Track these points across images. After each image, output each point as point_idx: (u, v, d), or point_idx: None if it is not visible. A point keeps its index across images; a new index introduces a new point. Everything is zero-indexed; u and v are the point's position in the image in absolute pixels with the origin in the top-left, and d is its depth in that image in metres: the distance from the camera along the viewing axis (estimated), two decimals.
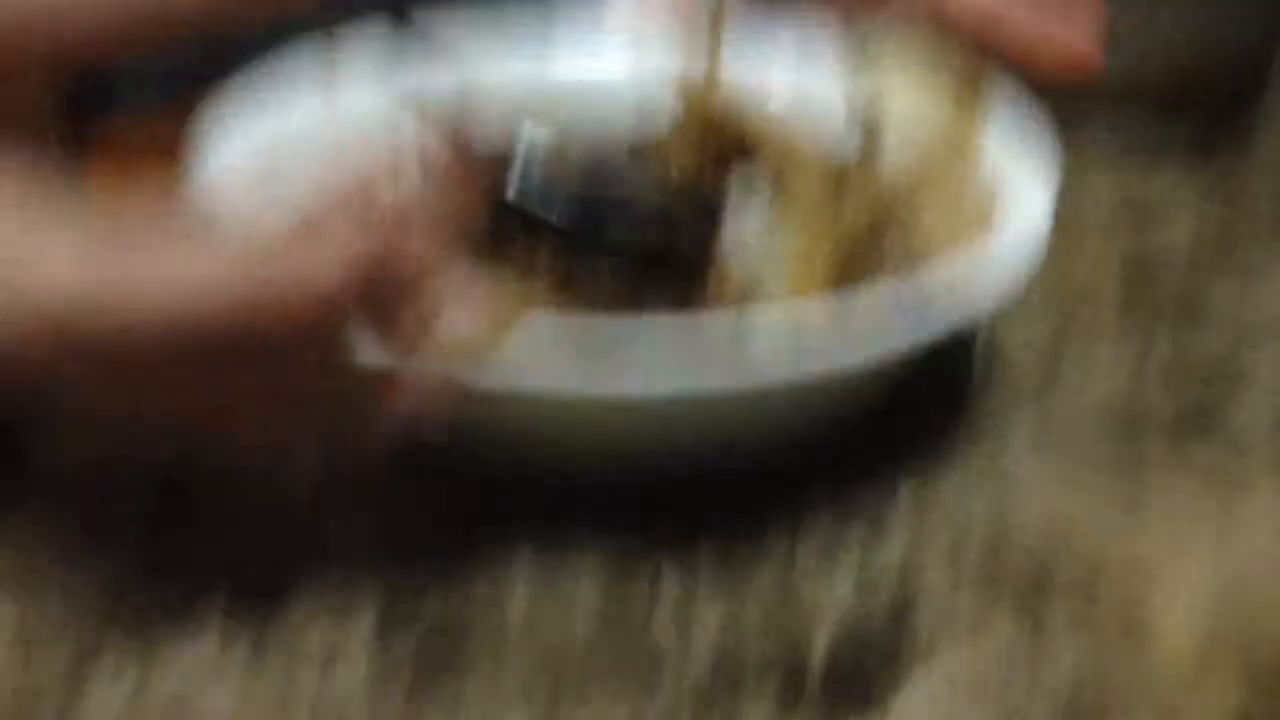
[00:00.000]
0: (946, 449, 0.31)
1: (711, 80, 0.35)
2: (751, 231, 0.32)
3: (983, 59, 0.34)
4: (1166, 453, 0.31)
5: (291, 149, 0.33)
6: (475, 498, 0.29)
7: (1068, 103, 0.47)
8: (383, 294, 0.25)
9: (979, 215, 0.32)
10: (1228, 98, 0.51)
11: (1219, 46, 0.50)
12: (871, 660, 0.25)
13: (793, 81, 0.36)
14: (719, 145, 0.34)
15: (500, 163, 0.31)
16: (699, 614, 0.26)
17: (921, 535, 0.28)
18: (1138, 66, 0.49)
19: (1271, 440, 0.32)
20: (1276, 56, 0.53)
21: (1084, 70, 0.34)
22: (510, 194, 0.31)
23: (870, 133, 0.34)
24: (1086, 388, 0.34)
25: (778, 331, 0.27)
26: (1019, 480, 0.30)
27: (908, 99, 0.34)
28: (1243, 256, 0.41)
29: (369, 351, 0.25)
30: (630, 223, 0.31)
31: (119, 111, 0.39)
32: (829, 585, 0.27)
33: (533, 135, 0.32)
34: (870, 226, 0.32)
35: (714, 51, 0.36)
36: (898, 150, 0.33)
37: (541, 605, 0.27)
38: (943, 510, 0.29)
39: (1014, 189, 0.32)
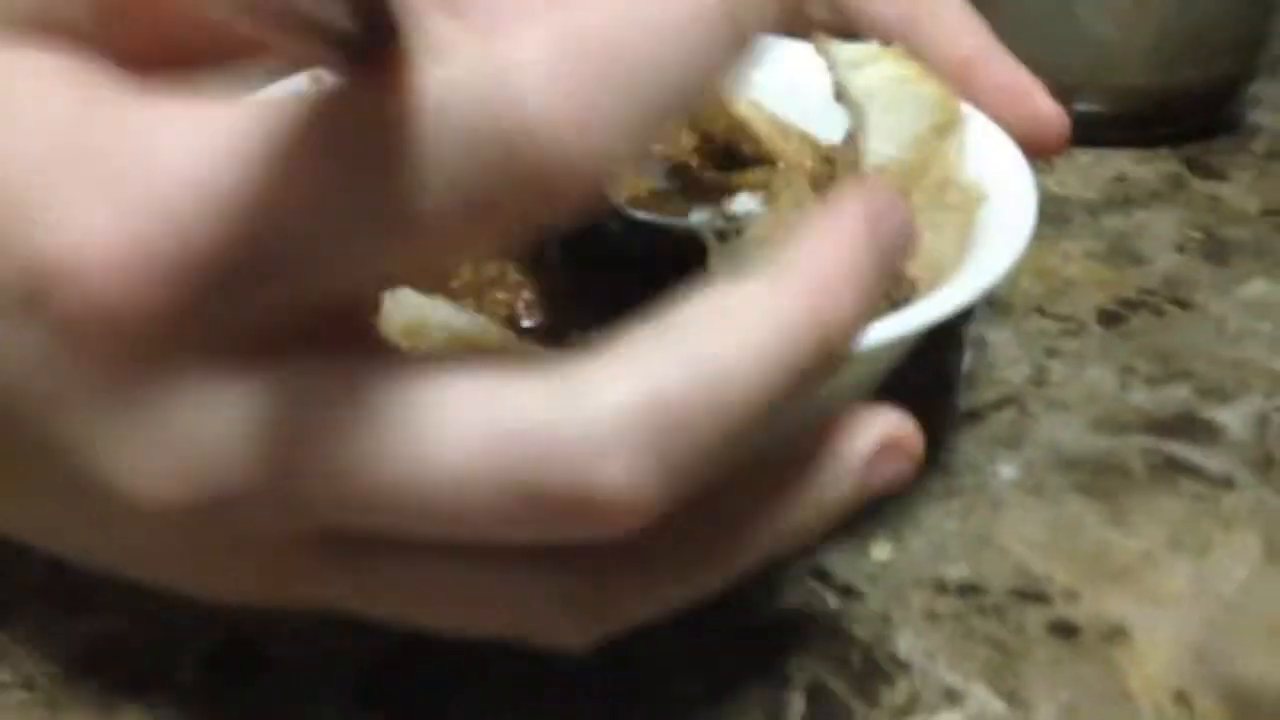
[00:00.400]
0: (918, 509, 0.31)
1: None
2: (741, 239, 0.32)
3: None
4: (1145, 495, 0.31)
5: None
6: None
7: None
8: None
9: (964, 214, 0.31)
10: (1205, 115, 0.51)
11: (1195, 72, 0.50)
12: None
13: (782, 80, 0.36)
14: (714, 138, 0.34)
15: None
16: (676, 688, 0.26)
17: (894, 601, 0.28)
18: (1118, 86, 0.49)
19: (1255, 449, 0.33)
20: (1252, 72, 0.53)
21: (1053, 139, 0.34)
22: None
23: (854, 130, 0.33)
24: (1067, 427, 0.34)
25: None
26: (992, 539, 0.30)
27: (889, 90, 0.34)
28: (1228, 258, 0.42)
29: None
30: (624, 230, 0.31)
31: None
32: (800, 656, 0.27)
33: None
34: None
35: None
36: (881, 145, 0.33)
37: (521, 675, 0.26)
38: (916, 573, 0.29)
39: (998, 185, 0.31)
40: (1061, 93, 0.50)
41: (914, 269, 0.31)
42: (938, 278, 0.29)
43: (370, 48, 0.15)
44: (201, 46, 0.20)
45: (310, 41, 0.15)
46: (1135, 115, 0.50)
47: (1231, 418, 0.34)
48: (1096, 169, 0.48)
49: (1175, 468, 0.32)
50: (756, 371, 0.18)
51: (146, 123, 0.17)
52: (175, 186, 0.16)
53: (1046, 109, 0.34)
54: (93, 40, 0.19)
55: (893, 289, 0.31)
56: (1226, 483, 0.32)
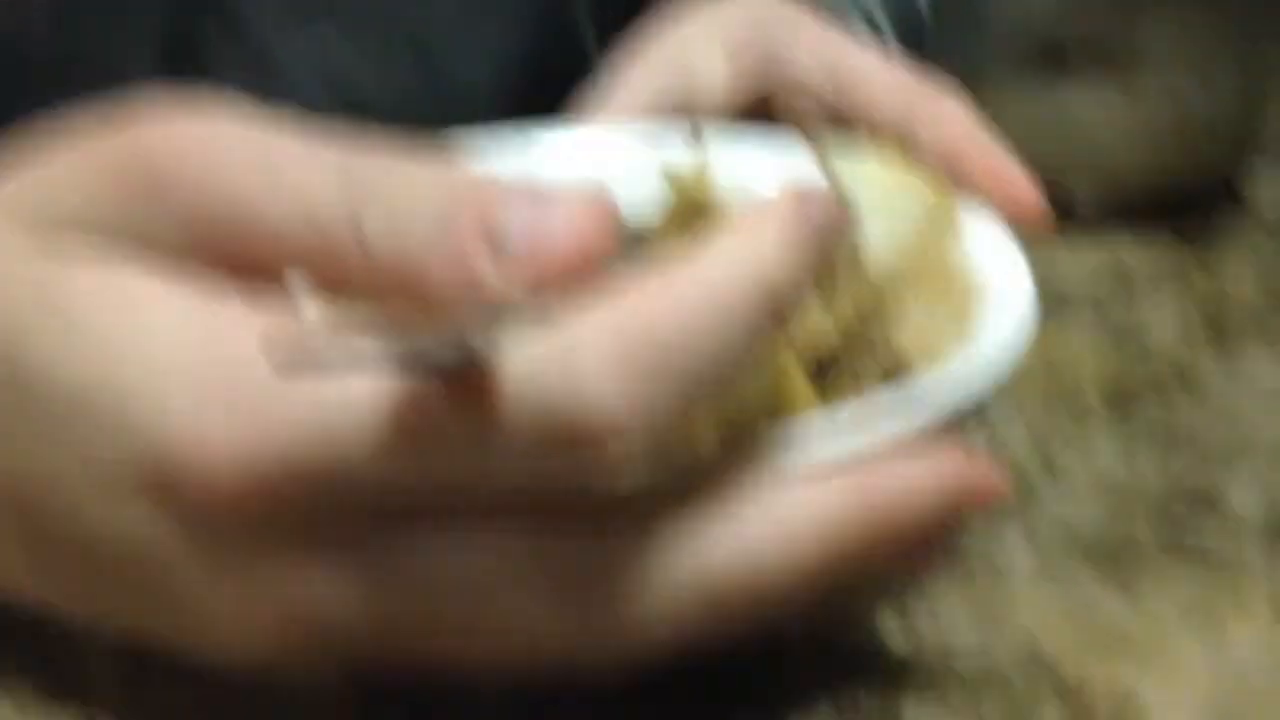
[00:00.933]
0: (927, 588, 0.30)
1: (700, 169, 0.36)
2: None
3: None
4: (1156, 572, 0.31)
5: None
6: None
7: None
8: None
9: (962, 305, 0.31)
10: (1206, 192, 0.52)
11: (1195, 141, 0.51)
12: None
13: (775, 173, 0.36)
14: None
15: None
16: None
17: (902, 675, 0.28)
18: (1112, 176, 0.50)
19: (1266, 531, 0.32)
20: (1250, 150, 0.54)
21: (1034, 220, 0.35)
22: None
23: (852, 229, 0.34)
24: (1076, 506, 0.33)
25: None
26: (1004, 619, 0.30)
27: (883, 188, 0.34)
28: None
29: None
30: None
31: None
32: None
33: None
34: (857, 319, 0.32)
35: (700, 141, 0.37)
36: (878, 239, 0.34)
37: None
38: (923, 647, 0.28)
39: (995, 276, 0.32)
40: (1056, 182, 0.51)
41: (914, 357, 0.31)
42: (935, 363, 0.29)
43: (459, 368, 0.19)
44: (273, 274, 0.23)
45: (415, 370, 0.19)
46: (1131, 202, 0.50)
47: (1241, 496, 0.34)
48: (1095, 255, 0.49)
49: (1186, 546, 0.32)
50: (715, 311, 0.20)
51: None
52: (291, 419, 0.20)
53: (1026, 194, 0.35)
54: (181, 257, 0.22)
55: (892, 379, 0.32)
56: (1237, 560, 0.31)
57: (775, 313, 0.21)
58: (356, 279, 0.22)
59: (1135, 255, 0.49)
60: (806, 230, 0.22)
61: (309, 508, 0.21)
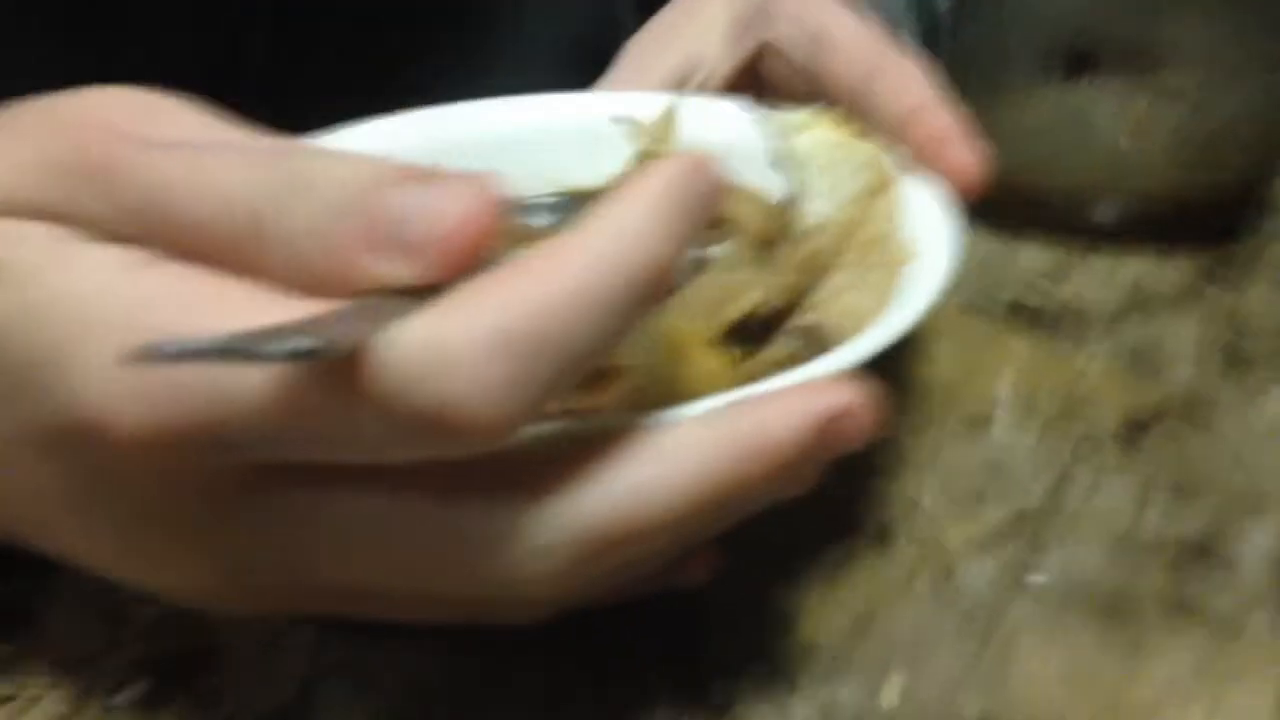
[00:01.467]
0: (933, 637, 0.31)
1: (665, 125, 0.36)
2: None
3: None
4: (1162, 628, 0.31)
5: None
6: None
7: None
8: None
9: (888, 275, 0.32)
10: (1224, 224, 0.52)
11: (1215, 171, 0.50)
12: None
13: (723, 140, 0.37)
14: None
15: None
16: None
17: None
18: (1134, 180, 0.50)
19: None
20: (1271, 180, 0.53)
21: (969, 187, 0.35)
22: None
23: (792, 192, 0.34)
24: (1083, 555, 0.33)
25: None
26: (1003, 674, 0.30)
27: (828, 153, 0.35)
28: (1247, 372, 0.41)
29: None
30: None
31: None
32: None
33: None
34: (793, 286, 0.33)
35: (669, 101, 0.38)
36: (818, 204, 0.34)
37: None
38: (928, 712, 0.29)
39: (926, 244, 0.32)
40: (1077, 198, 0.51)
41: (836, 321, 0.32)
42: (857, 331, 0.30)
43: (335, 354, 0.20)
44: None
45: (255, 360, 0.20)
46: (1151, 219, 0.50)
47: (1249, 550, 0.34)
48: (1113, 276, 0.48)
49: (1192, 600, 0.32)
50: (585, 303, 0.21)
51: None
52: (191, 380, 0.21)
53: (964, 156, 0.35)
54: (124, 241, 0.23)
55: (811, 343, 0.32)
56: (1243, 614, 0.31)
57: (650, 289, 0.22)
58: (269, 272, 0.22)
59: (1155, 274, 0.48)
60: (680, 203, 0.22)
61: (217, 461, 0.22)
